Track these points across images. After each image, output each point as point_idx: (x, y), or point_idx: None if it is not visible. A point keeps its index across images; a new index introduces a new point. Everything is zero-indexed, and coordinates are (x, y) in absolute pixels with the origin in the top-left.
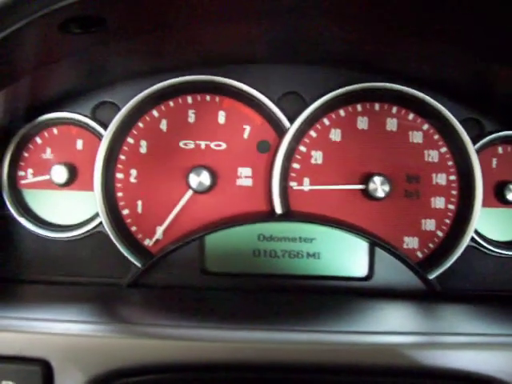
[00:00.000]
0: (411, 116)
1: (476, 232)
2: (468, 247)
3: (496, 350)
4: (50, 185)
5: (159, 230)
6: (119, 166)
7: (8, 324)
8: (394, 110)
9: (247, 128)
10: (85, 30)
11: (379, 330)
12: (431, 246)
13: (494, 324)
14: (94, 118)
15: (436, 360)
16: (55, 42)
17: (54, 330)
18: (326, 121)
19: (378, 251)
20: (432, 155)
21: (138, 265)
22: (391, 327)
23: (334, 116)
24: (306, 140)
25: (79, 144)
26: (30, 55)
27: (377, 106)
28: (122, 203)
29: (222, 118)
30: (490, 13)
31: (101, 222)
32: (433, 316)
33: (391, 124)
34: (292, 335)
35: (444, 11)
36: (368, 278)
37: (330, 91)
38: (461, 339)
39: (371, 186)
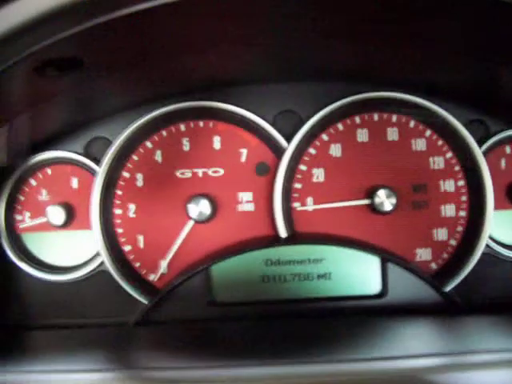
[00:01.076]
0: (412, 123)
1: (490, 237)
2: (483, 254)
3: None
4: (48, 227)
5: (163, 264)
6: (117, 201)
7: (7, 379)
8: (394, 118)
9: (244, 151)
10: (62, 71)
11: (400, 355)
12: (445, 256)
13: None
14: (87, 155)
15: (463, 383)
16: (34, 86)
17: (59, 382)
18: (324, 136)
19: (391, 266)
20: (437, 162)
21: (144, 301)
22: (412, 350)
23: (332, 131)
24: (306, 158)
25: (74, 182)
26: (9, 100)
27: (376, 117)
28: (122, 239)
29: (217, 143)
30: (491, 16)
31: (103, 261)
32: (454, 333)
33: (392, 133)
34: (309, 368)
35: (442, 16)
36: (382, 295)
37: (326, 106)
38: (488, 357)
39: (377, 199)
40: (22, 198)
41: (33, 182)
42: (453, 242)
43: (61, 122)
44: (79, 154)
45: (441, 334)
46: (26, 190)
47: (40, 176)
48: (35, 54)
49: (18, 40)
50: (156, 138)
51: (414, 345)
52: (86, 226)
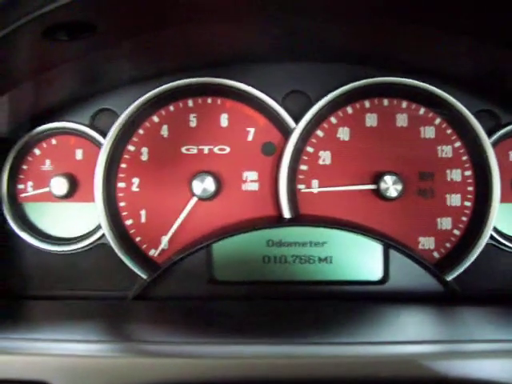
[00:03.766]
0: (422, 110)
1: (494, 229)
2: (487, 245)
3: None
4: (50, 197)
5: (164, 240)
6: (120, 174)
7: (7, 345)
8: (404, 104)
9: (251, 130)
10: (73, 36)
11: (398, 340)
12: (448, 245)
13: None
14: (92, 127)
15: (459, 370)
16: (42, 50)
17: (56, 350)
18: (333, 119)
19: (393, 253)
20: (445, 150)
21: (144, 276)
22: (410, 336)
23: (341, 114)
24: (313, 140)
25: (79, 154)
26: (17, 64)
27: (386, 102)
28: (124, 213)
29: (224, 120)
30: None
31: (104, 234)
32: (453, 321)
33: (401, 120)
34: (304, 349)
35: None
36: (383, 281)
37: (336, 88)
38: (485, 347)
39: (383, 185)
40: (25, 168)
41: (37, 151)
42: (456, 232)
43: (67, 92)
44: (85, 125)
45: (439, 322)
46: (30, 159)
47: (44, 146)
48: (46, 16)
49: (29, 1)
50: (163, 112)
51: (412, 331)
52: (89, 198)
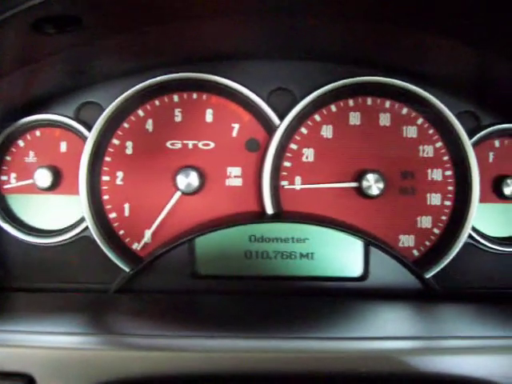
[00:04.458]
0: (405, 110)
1: (473, 229)
2: (465, 244)
3: (498, 353)
4: (34, 189)
5: (147, 234)
6: (105, 168)
7: None
8: (387, 104)
9: (236, 126)
10: (60, 29)
11: (376, 336)
12: (427, 243)
13: (495, 325)
14: (77, 119)
15: (436, 366)
16: (30, 42)
17: (38, 342)
18: (317, 117)
19: (373, 250)
20: (427, 150)
21: (127, 269)
22: (389, 332)
23: (325, 112)
24: (297, 137)
25: (63, 146)
26: (4, 56)
27: (369, 101)
28: (108, 206)
29: (209, 116)
30: (489, 5)
31: (87, 227)
32: (431, 318)
33: (384, 119)
34: (285, 343)
35: (440, 2)
36: (363, 278)
37: (321, 86)
38: (461, 343)
39: (365, 183)
40: (8, 159)
41: (21, 143)
42: (436, 231)
43: (53, 85)
44: (70, 117)
45: (418, 319)
46: (14, 150)
47: (28, 137)
48: (33, 9)
49: None
50: (148, 107)
51: (391, 327)
52: (73, 190)
